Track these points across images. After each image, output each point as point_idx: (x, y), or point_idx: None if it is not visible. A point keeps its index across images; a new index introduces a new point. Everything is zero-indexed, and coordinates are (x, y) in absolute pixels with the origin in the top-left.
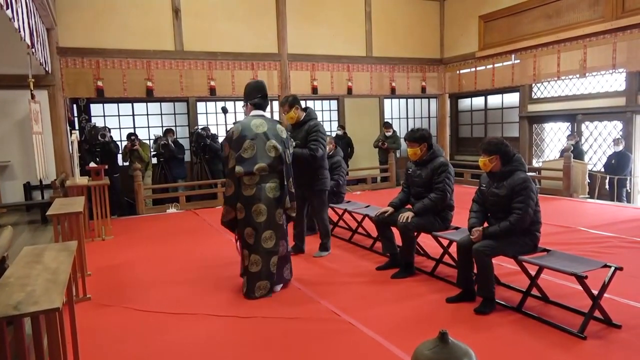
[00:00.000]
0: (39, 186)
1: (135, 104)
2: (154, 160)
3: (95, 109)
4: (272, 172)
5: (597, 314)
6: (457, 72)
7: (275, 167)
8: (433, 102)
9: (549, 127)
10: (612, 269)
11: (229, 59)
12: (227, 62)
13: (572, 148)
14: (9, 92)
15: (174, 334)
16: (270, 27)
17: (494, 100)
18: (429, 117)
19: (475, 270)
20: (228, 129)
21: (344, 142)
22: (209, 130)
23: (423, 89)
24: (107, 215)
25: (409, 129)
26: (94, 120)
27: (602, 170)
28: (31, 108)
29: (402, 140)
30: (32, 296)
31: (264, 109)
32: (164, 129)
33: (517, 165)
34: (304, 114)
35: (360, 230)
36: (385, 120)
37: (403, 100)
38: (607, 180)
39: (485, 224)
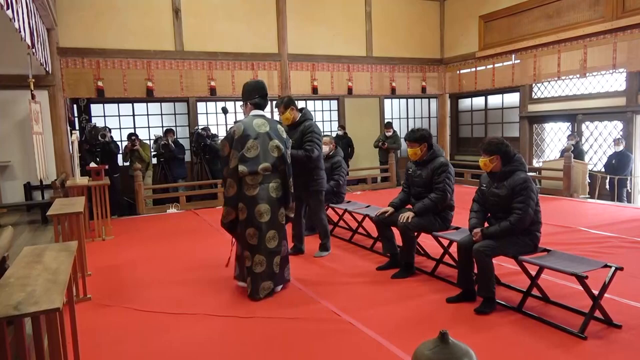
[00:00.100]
0: (39, 186)
1: (135, 104)
2: (154, 161)
3: (96, 109)
4: (275, 171)
5: (597, 314)
6: (457, 72)
7: (277, 166)
8: (433, 102)
9: (549, 127)
10: (613, 269)
11: (229, 59)
12: (227, 62)
13: (572, 148)
14: (9, 92)
15: (173, 334)
16: (271, 27)
17: (494, 100)
18: (429, 117)
19: (475, 270)
20: (228, 128)
21: (344, 142)
22: (209, 131)
23: (423, 89)
24: (108, 215)
25: (409, 129)
26: (94, 120)
27: (603, 170)
28: (31, 108)
29: (402, 140)
30: (33, 296)
31: (263, 109)
32: (164, 129)
33: (517, 165)
34: (300, 114)
35: (360, 230)
36: (386, 120)
37: (403, 100)
38: (607, 180)
39: (486, 224)
